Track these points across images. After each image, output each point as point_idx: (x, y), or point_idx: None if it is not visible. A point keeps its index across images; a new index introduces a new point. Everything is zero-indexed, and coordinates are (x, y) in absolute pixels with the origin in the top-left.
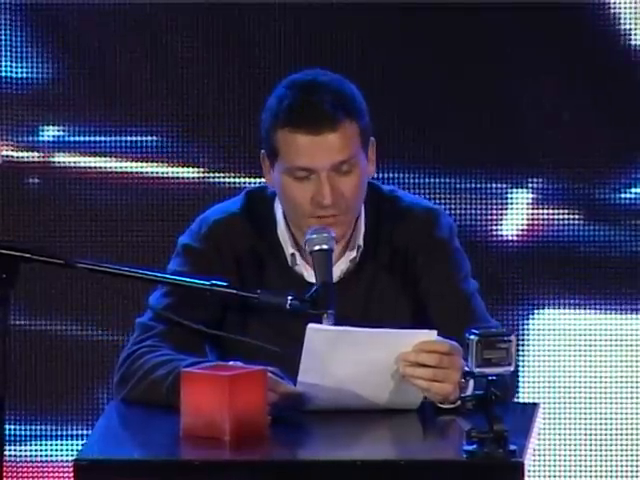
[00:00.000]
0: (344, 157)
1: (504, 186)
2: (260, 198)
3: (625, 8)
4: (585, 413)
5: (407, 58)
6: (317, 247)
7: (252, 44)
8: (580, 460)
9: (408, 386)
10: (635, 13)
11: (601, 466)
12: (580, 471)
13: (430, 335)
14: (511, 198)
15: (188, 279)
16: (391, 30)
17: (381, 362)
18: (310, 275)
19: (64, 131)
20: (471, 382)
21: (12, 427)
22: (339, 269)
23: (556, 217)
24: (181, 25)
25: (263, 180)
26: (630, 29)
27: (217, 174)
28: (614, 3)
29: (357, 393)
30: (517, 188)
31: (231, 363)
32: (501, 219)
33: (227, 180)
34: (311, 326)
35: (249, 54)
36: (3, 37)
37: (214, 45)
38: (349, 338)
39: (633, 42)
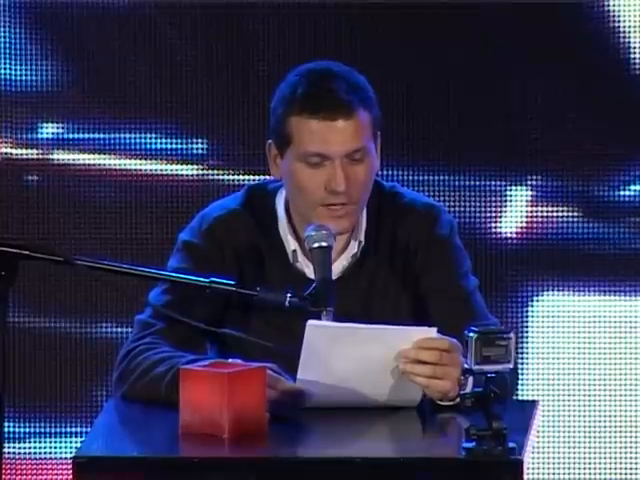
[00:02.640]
0: (358, 145)
1: (503, 183)
2: (261, 194)
3: (623, 6)
4: (584, 411)
5: (407, 57)
6: (316, 244)
7: (252, 43)
8: (579, 457)
9: (407, 383)
10: (633, 11)
11: (600, 463)
12: (580, 468)
13: (430, 332)
14: (510, 195)
15: (187, 276)
16: (392, 29)
17: (381, 359)
18: (311, 272)
19: (63, 128)
20: (470, 379)
21: (11, 424)
22: (341, 265)
23: (554, 214)
24: (181, 23)
25: (263, 177)
26: (629, 26)
27: (216, 171)
28: (612, 2)
29: (356, 390)
30: (516, 185)
31: (230, 360)
32: (500, 216)
33: (226, 177)
34: (311, 323)
35: (249, 52)
36: (2, 36)
37: (214, 43)
38: (349, 335)
39: (632, 39)
